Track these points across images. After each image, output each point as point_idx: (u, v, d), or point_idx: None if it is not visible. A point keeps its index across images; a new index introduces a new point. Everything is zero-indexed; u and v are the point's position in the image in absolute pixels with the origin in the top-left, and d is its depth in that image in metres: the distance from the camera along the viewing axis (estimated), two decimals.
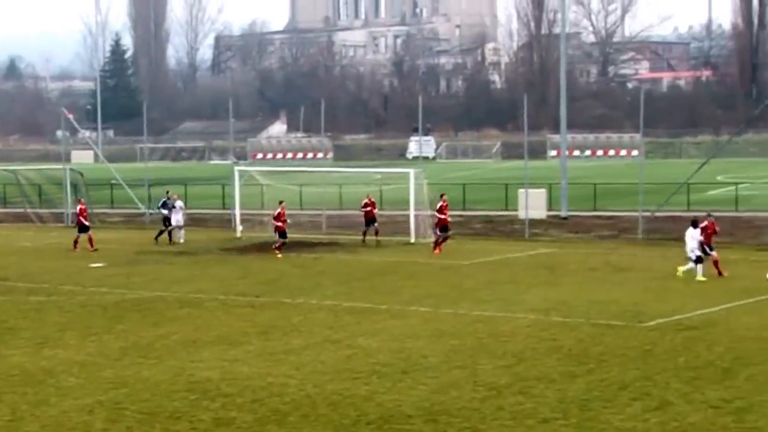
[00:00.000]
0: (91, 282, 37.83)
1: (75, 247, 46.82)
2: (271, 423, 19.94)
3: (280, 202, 45.67)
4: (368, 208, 47.89)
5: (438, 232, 44.40)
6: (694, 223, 36.04)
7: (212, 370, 24.05)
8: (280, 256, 43.55)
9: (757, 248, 44.56)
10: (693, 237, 35.54)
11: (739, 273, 37.28)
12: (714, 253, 35.85)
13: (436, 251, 43.87)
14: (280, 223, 44.37)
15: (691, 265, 35.40)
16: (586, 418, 19.85)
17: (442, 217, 44.27)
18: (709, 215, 37.38)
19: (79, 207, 48.42)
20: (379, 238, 47.69)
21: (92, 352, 26.24)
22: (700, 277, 35.04)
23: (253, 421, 20.06)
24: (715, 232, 36.42)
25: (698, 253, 35.33)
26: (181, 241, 49.19)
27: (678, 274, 35.60)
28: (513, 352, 25.27)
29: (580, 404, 20.77)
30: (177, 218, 49.67)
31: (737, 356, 24.47)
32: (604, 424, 19.49)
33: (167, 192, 52.79)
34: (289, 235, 44.92)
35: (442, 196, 45.50)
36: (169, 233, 49.56)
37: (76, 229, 47.70)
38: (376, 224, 47.92)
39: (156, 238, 49.65)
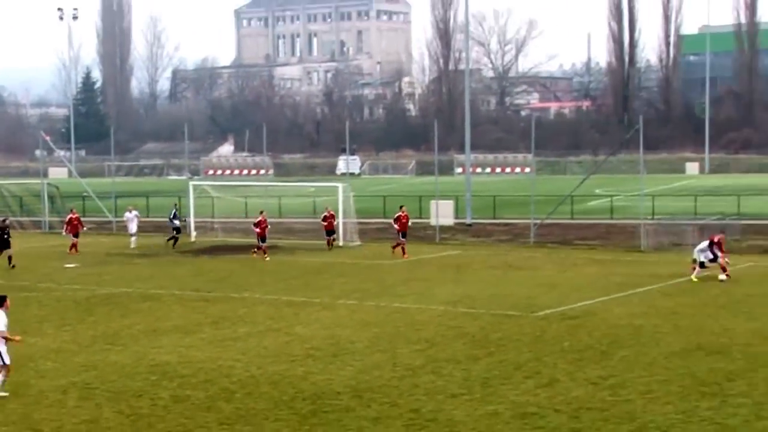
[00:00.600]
0: (65, 280, 37.35)
1: (73, 249, 45.64)
2: (220, 399, 19.82)
3: (261, 212, 44.83)
4: (328, 221, 46.02)
5: (401, 238, 43.14)
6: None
7: (170, 354, 23.86)
8: (267, 258, 42.36)
9: (628, 250, 45.12)
10: (702, 250, 34.36)
11: (614, 270, 37.74)
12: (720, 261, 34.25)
13: (405, 256, 42.36)
14: (259, 230, 43.33)
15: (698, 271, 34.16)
16: (487, 393, 19.96)
17: (396, 227, 43.21)
18: (722, 231, 37.07)
19: (70, 216, 47.15)
20: (332, 246, 46.15)
21: (67, 340, 25.93)
22: (694, 278, 33.97)
23: (205, 398, 19.93)
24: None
25: (702, 259, 34.16)
26: (132, 246, 47.64)
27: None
28: (426, 338, 25.35)
29: (482, 381, 20.88)
30: (131, 226, 48.37)
31: (612, 340, 24.76)
32: (502, 398, 19.61)
33: (175, 204, 51.36)
34: (233, 240, 44.57)
35: (401, 207, 44.49)
36: (175, 239, 48.44)
37: (71, 236, 46.33)
38: (334, 235, 46.46)
39: (169, 241, 48.38)
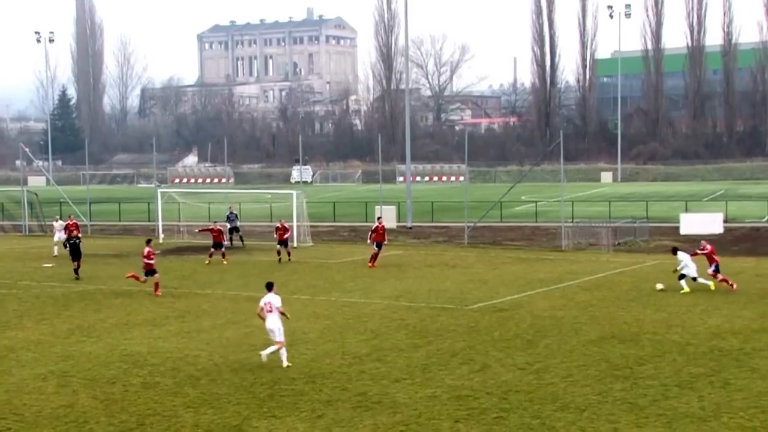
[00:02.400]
0: (43, 278, 36.79)
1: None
2: (187, 385, 19.66)
3: (215, 222, 44.34)
4: (280, 232, 41.74)
5: (375, 248, 39.19)
6: (675, 250, 32.32)
7: (141, 345, 23.62)
8: (225, 262, 40.86)
9: (550, 249, 45.52)
10: (687, 260, 31.25)
11: (538, 268, 38.02)
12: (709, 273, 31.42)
13: (371, 264, 38.78)
14: (214, 234, 41.77)
15: (682, 283, 31.07)
16: (426, 378, 20.02)
17: (374, 236, 39.41)
18: (711, 241, 33.56)
19: (68, 222, 44.95)
20: (281, 257, 41.44)
21: (45, 332, 25.54)
22: (686, 289, 30.83)
23: (173, 384, 19.76)
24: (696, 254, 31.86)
25: (692, 274, 30.99)
26: (55, 254, 44.21)
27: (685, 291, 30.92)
28: (371, 329, 25.36)
29: (422, 368, 20.93)
30: (59, 235, 44.68)
31: (537, 330, 24.95)
32: (440, 382, 19.67)
33: (230, 207, 49.98)
34: (198, 241, 44.11)
35: (378, 219, 41.81)
36: (241, 238, 47.48)
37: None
38: (288, 247, 41.98)
39: (231, 242, 47.08)
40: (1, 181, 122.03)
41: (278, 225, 42.72)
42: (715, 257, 31.63)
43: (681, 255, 31.64)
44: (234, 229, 48.34)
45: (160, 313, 28.32)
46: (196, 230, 47.08)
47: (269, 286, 21.81)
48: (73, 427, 16.91)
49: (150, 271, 31.87)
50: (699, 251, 31.90)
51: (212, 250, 41.54)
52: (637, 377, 19.83)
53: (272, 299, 21.44)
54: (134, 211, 68.89)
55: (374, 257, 39.01)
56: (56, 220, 47.20)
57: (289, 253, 41.91)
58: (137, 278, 32.22)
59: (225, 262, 40.80)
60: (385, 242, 40.06)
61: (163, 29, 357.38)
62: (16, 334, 25.27)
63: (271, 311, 21.28)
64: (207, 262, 41.03)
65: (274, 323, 21.21)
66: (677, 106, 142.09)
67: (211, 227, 42.87)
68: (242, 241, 48.27)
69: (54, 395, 18.99)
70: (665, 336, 23.98)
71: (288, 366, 20.91)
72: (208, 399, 18.57)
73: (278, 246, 41.80)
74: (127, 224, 62.93)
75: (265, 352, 21.31)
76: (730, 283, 31.03)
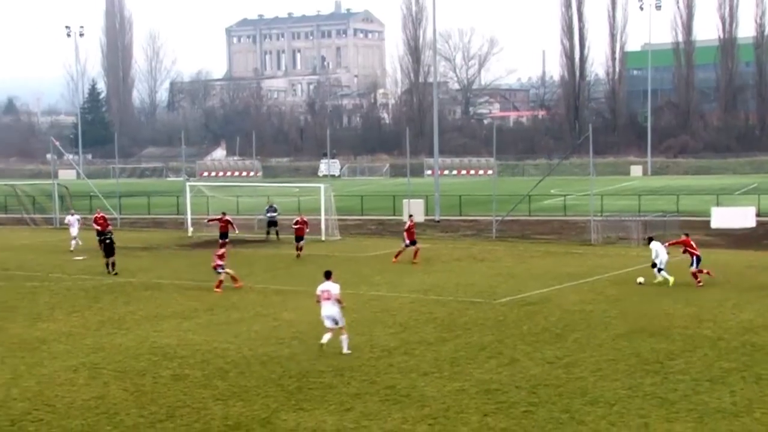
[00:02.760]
0: (75, 271, 37.11)
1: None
2: (216, 378, 19.77)
3: (223, 213, 44.32)
4: (299, 226, 41.41)
5: (407, 244, 38.41)
6: (650, 239, 32.74)
7: (170, 337, 23.78)
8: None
9: (579, 243, 45.30)
10: (660, 250, 31.59)
11: (567, 262, 37.87)
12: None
13: (395, 260, 38.09)
14: (221, 225, 42.55)
15: (655, 272, 31.49)
16: (455, 372, 20.01)
17: (406, 234, 38.65)
18: (687, 234, 33.23)
19: (95, 216, 45.56)
20: (299, 252, 40.56)
21: (76, 324, 25.78)
22: (659, 279, 31.27)
23: (202, 377, 19.88)
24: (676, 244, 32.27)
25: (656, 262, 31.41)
26: (72, 248, 44.14)
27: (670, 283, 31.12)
28: (399, 323, 25.37)
29: (451, 361, 20.92)
30: (73, 230, 44.94)
31: (566, 324, 24.86)
32: (468, 376, 19.66)
33: (269, 198, 49.98)
34: (228, 235, 44.23)
35: (410, 217, 41.33)
36: (277, 232, 47.37)
37: (96, 234, 44.01)
38: (302, 242, 41.04)
39: (268, 235, 47.54)
40: (33, 174, 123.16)
41: (297, 219, 41.92)
42: (696, 251, 31.40)
43: (653, 244, 32.04)
44: (272, 223, 48.23)
45: (190, 305, 28.48)
46: (206, 221, 47.14)
47: (327, 275, 22.30)
48: (103, 418, 17.06)
49: (219, 267, 31.76)
50: (674, 241, 32.32)
51: (220, 241, 41.64)
52: (668, 372, 19.71)
53: (330, 287, 21.92)
54: (163, 205, 69.29)
55: (399, 252, 38.59)
56: (71, 214, 46.81)
57: (300, 249, 40.58)
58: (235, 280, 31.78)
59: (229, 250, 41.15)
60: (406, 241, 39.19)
61: (191, 23, 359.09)
62: (48, 326, 25.52)
63: (328, 299, 21.73)
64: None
65: (330, 310, 21.67)
66: (708, 99, 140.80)
67: (218, 217, 43.11)
68: (278, 235, 48.28)
69: (85, 387, 19.16)
70: (696, 330, 23.81)
71: (348, 353, 21.31)
72: (236, 391, 18.66)
73: (296, 243, 40.90)
74: (157, 217, 63.33)
75: (344, 347, 21.59)
76: (706, 272, 31.18)
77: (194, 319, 26.21)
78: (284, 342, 22.97)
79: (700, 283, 30.87)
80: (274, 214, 48.82)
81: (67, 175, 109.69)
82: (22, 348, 22.79)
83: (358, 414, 17.10)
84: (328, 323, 21.78)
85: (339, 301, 21.78)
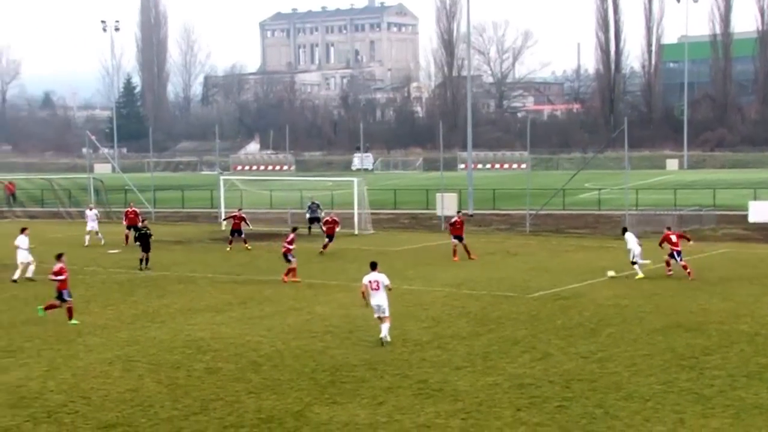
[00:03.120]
0: (109, 264, 37.44)
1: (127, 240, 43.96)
2: (249, 371, 19.86)
3: (239, 209, 44.36)
4: (330, 225, 40.87)
5: (454, 240, 37.62)
6: (624, 230, 33.18)
7: (204, 331, 23.92)
8: (249, 247, 41.60)
9: (614, 238, 44.97)
10: (634, 242, 31.96)
11: (601, 256, 37.65)
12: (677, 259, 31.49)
13: (456, 258, 37.04)
14: (234, 222, 42.48)
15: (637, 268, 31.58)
16: (488, 366, 19.97)
17: (452, 229, 37.84)
18: (669, 228, 33.34)
19: (127, 210, 45.91)
20: (324, 251, 39.69)
21: (111, 317, 26.01)
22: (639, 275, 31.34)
23: (236, 370, 19.98)
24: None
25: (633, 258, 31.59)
26: (102, 242, 44.22)
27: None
28: (432, 317, 25.36)
29: (484, 355, 20.88)
30: (92, 225, 44.95)
31: (600, 319, 24.73)
32: (501, 370, 19.61)
33: (311, 198, 49.94)
34: (261, 228, 44.33)
35: (458, 212, 40.52)
36: (309, 229, 47.06)
37: (126, 227, 44.73)
38: (331, 241, 40.20)
39: (309, 231, 47.33)
40: (68, 168, 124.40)
41: (327, 218, 41.24)
42: (677, 246, 31.16)
43: (627, 236, 32.27)
44: (315, 219, 47.79)
45: (223, 299, 28.65)
46: (222, 220, 45.78)
47: (373, 266, 22.67)
48: (138, 411, 17.21)
49: (290, 253, 31.99)
50: (663, 238, 31.68)
51: (230, 237, 41.91)
52: (704, 367, 19.54)
53: (379, 277, 22.28)
54: (197, 198, 69.73)
55: (455, 249, 37.32)
56: (90, 209, 46.34)
57: (325, 247, 39.77)
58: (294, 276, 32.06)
59: (249, 247, 41.35)
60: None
61: (225, 17, 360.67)
62: (83, 318, 25.76)
63: (377, 289, 22.07)
64: (227, 249, 41.40)
65: (382, 299, 22.01)
66: (746, 92, 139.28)
67: (233, 214, 43.15)
68: (323, 230, 47.85)
69: (120, 379, 19.33)
70: (732, 326, 23.58)
71: (388, 342, 21.64)
72: (270, 385, 18.74)
73: (327, 240, 39.87)
74: (191, 211, 63.76)
75: (383, 334, 21.90)
76: (680, 267, 31.19)
77: (227, 313, 26.36)
78: (317, 336, 23.04)
79: (670, 272, 31.32)
80: (317, 212, 48.50)
81: (102, 169, 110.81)
82: (59, 340, 23.03)
83: (391, 408, 17.12)
84: (378, 312, 22.15)
85: (389, 289, 22.31)
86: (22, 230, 34.12)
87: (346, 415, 16.78)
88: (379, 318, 22.13)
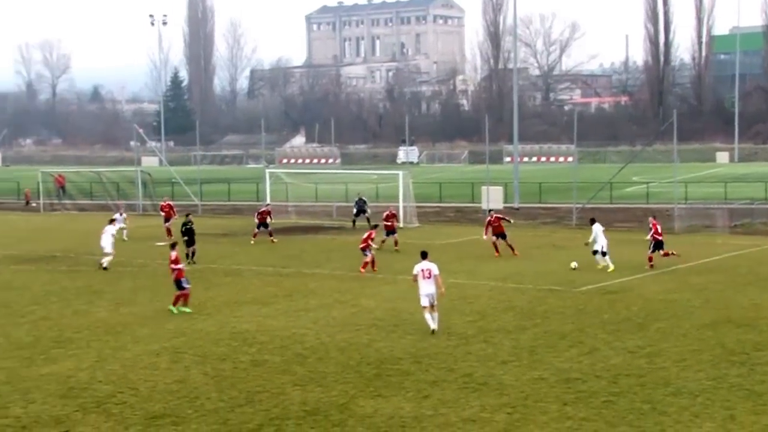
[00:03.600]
0: (156, 256, 37.74)
1: (169, 233, 44.02)
2: (294, 363, 19.95)
3: (267, 205, 44.75)
4: (390, 222, 39.44)
5: (494, 239, 36.68)
6: (592, 221, 33.41)
7: (249, 323, 24.07)
8: (275, 240, 41.98)
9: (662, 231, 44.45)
10: (599, 234, 32.22)
11: (647, 250, 37.17)
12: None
13: (514, 252, 36.29)
14: (259, 217, 42.53)
15: (606, 259, 32.08)
16: (534, 360, 19.87)
17: (495, 229, 36.65)
18: (654, 217, 34.15)
19: (161, 204, 46.27)
20: (397, 248, 38.32)
21: (158, 309, 26.26)
22: (602, 266, 31.86)
23: (281, 362, 20.08)
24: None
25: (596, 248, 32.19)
26: (126, 237, 43.62)
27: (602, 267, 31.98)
28: (477, 311, 25.29)
29: (530, 350, 20.78)
30: (119, 225, 43.15)
31: (648, 313, 24.50)
32: (548, 365, 19.50)
33: (358, 194, 49.73)
34: (305, 221, 44.48)
35: (490, 212, 37.96)
36: (368, 219, 46.59)
37: (164, 221, 45.11)
38: (395, 235, 39.05)
39: (354, 225, 47.56)
40: (116, 161, 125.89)
41: (387, 213, 40.32)
42: (657, 234, 31.98)
43: (595, 227, 32.33)
44: (361, 212, 47.87)
45: (268, 291, 28.80)
46: (256, 220, 44.84)
47: (424, 255, 22.88)
48: (185, 402, 17.36)
49: (368, 248, 32.61)
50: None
51: (257, 230, 42.14)
52: (755, 363, 19.27)
53: (430, 266, 22.50)
54: (243, 191, 70.15)
55: (496, 247, 36.63)
56: (120, 214, 44.40)
57: (396, 243, 38.82)
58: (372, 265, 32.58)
59: (275, 240, 41.64)
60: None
61: (272, 11, 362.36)
62: (131, 310, 26.06)
63: (429, 277, 22.31)
64: (251, 242, 41.60)
65: (431, 288, 22.27)
66: None
67: (262, 209, 43.23)
68: (369, 221, 47.75)
69: (167, 371, 19.52)
70: None
71: (434, 331, 22.00)
72: (315, 377, 18.81)
73: (386, 236, 38.66)
74: (237, 204, 64.16)
75: (434, 326, 22.21)
76: (664, 254, 31.85)
77: (273, 305, 26.50)
78: (362, 328, 23.08)
79: (652, 263, 31.86)
80: (364, 207, 48.39)
81: (149, 162, 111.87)
82: (107, 332, 23.32)
83: (436, 401, 17.10)
84: (426, 301, 22.35)
85: (437, 279, 22.46)
86: (111, 221, 36.24)
87: (391, 408, 16.79)
88: (430, 306, 22.32)
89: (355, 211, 48.52)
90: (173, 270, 26.05)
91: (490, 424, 15.83)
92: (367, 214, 48.04)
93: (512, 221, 37.46)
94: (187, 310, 25.59)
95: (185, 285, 25.84)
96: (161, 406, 17.16)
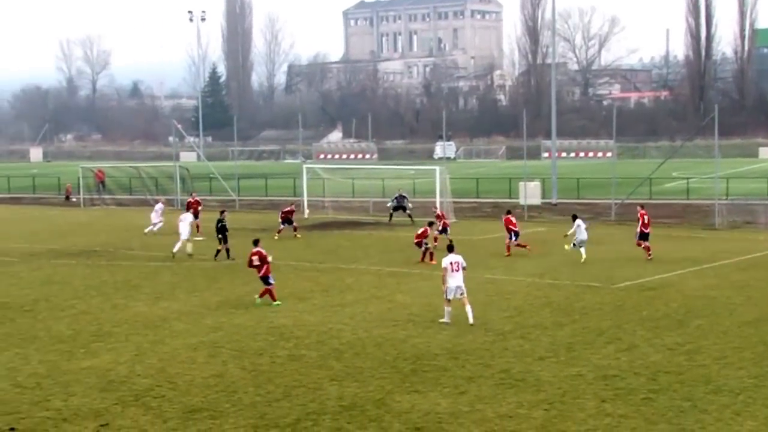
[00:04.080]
0: (195, 251, 37.94)
1: (198, 229, 43.78)
2: (331, 358, 20.00)
3: (292, 204, 44.97)
4: (443, 221, 38.41)
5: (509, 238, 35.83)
6: (574, 217, 34.15)
7: (286, 318, 24.16)
8: (299, 236, 42.24)
9: (702, 228, 44.12)
10: (580, 229, 33.19)
11: (689, 246, 36.94)
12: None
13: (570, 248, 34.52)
14: (282, 215, 42.94)
15: (582, 251, 32.92)
16: (571, 357, 19.77)
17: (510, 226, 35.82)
18: (643, 206, 34.87)
19: (189, 200, 46.44)
20: (450, 237, 35.99)
21: (196, 304, 26.45)
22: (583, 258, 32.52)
23: (318, 357, 20.14)
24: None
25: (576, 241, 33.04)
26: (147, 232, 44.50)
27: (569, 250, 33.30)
28: (515, 306, 25.20)
29: (567, 346, 20.68)
30: (158, 219, 44.84)
31: (688, 310, 24.27)
32: (586, 361, 19.39)
33: (399, 189, 49.60)
34: (342, 217, 44.53)
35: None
36: (410, 216, 46.90)
37: (193, 217, 45.61)
38: (448, 233, 37.29)
39: (390, 219, 47.97)
40: (155, 156, 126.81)
41: (437, 212, 39.93)
42: (644, 226, 33.08)
43: (578, 221, 33.26)
44: (400, 208, 48.07)
45: (305, 287, 28.90)
46: (280, 219, 44.73)
47: (450, 248, 23.58)
48: (222, 396, 17.47)
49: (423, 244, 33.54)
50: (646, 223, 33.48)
51: (281, 226, 42.20)
52: None
53: (459, 259, 22.89)
54: (280, 187, 70.40)
55: (508, 247, 35.96)
56: (162, 203, 45.62)
57: (449, 239, 37.01)
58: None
59: (298, 236, 41.95)
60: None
61: (309, 6, 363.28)
62: (170, 305, 26.27)
63: (458, 270, 22.70)
64: (275, 237, 41.42)
65: (460, 281, 22.65)
66: None
67: (286, 209, 43.21)
68: (411, 218, 47.80)
69: (204, 365, 19.65)
70: None
71: (472, 324, 22.24)
72: (351, 372, 18.85)
73: (438, 234, 37.07)
74: (274, 199, 64.37)
75: (470, 317, 22.51)
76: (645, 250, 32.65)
77: (310, 300, 26.58)
78: (399, 324, 23.09)
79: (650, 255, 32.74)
80: (403, 202, 48.28)
81: (187, 157, 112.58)
82: (145, 326, 23.53)
83: (473, 397, 17.06)
84: (454, 294, 22.59)
85: (465, 269, 22.96)
86: (188, 208, 38.05)
87: (428, 403, 16.78)
88: (456, 299, 22.53)
89: (392, 205, 48.45)
90: (260, 266, 26.08)
91: (528, 421, 15.77)
92: (408, 211, 48.01)
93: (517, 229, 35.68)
94: (277, 303, 25.89)
95: (271, 281, 26.19)
96: (199, 399, 17.29)
